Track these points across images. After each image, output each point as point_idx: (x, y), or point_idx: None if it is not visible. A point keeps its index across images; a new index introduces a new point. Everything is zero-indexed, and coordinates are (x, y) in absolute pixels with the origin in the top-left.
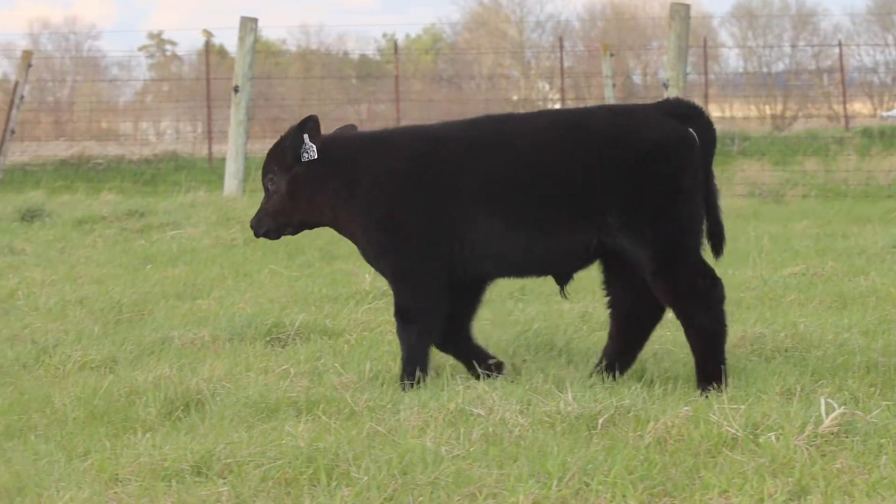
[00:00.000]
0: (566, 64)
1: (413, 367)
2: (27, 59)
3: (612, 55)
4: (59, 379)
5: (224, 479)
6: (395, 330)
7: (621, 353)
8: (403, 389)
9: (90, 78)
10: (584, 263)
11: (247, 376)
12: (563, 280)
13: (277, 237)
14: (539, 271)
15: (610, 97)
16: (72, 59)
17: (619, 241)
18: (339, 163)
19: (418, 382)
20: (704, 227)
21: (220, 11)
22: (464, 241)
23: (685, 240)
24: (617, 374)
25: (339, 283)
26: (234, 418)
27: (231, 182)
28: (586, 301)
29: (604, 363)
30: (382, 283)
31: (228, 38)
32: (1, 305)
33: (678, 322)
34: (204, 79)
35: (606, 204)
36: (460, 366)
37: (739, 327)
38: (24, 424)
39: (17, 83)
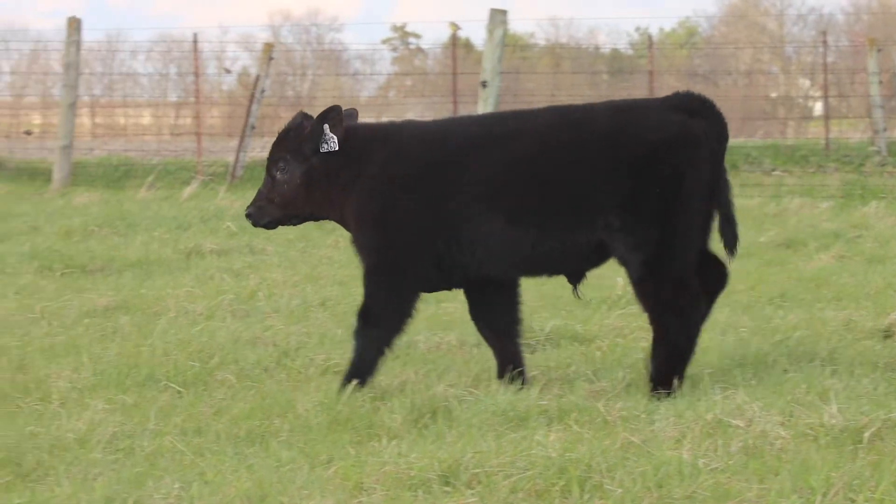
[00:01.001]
0: (829, 59)
1: (358, 373)
2: (268, 52)
3: (879, 50)
4: (302, 383)
5: (472, 489)
6: (650, 337)
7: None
8: (341, 390)
9: (331, 72)
10: (593, 263)
11: (495, 383)
12: (575, 279)
13: (276, 227)
14: (545, 271)
15: (875, 95)
16: (313, 52)
17: (615, 244)
18: (350, 155)
19: (360, 386)
20: (716, 225)
21: (467, 3)
22: (463, 240)
23: (677, 247)
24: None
25: (590, 288)
26: (482, 426)
27: None
28: (850, 309)
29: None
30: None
31: (475, 31)
32: (242, 307)
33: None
34: (449, 73)
35: (607, 204)
36: (718, 374)
37: None
38: (266, 430)
39: (258, 77)
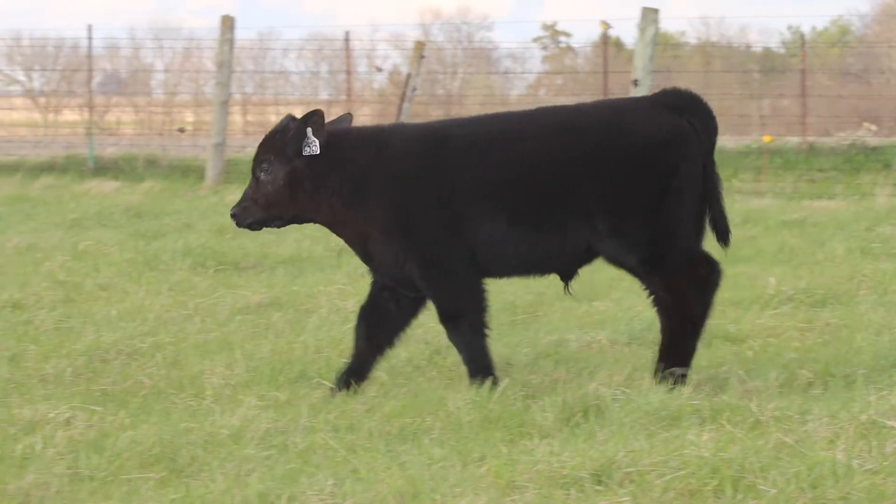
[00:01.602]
0: None
1: (479, 365)
2: (419, 50)
3: None
4: (453, 381)
5: (625, 488)
6: (801, 336)
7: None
8: (478, 386)
9: (481, 70)
10: (586, 261)
11: (647, 382)
12: (567, 277)
13: (260, 228)
14: (541, 271)
15: None
16: (463, 50)
17: (606, 244)
18: (342, 160)
19: (491, 377)
20: (707, 219)
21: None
22: (465, 242)
23: (674, 240)
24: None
25: (742, 287)
26: (634, 425)
27: None
28: None
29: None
30: (788, 287)
31: (625, 30)
32: None
33: None
34: (600, 72)
35: (596, 205)
36: (873, 375)
37: None
38: (418, 427)
39: (409, 75)
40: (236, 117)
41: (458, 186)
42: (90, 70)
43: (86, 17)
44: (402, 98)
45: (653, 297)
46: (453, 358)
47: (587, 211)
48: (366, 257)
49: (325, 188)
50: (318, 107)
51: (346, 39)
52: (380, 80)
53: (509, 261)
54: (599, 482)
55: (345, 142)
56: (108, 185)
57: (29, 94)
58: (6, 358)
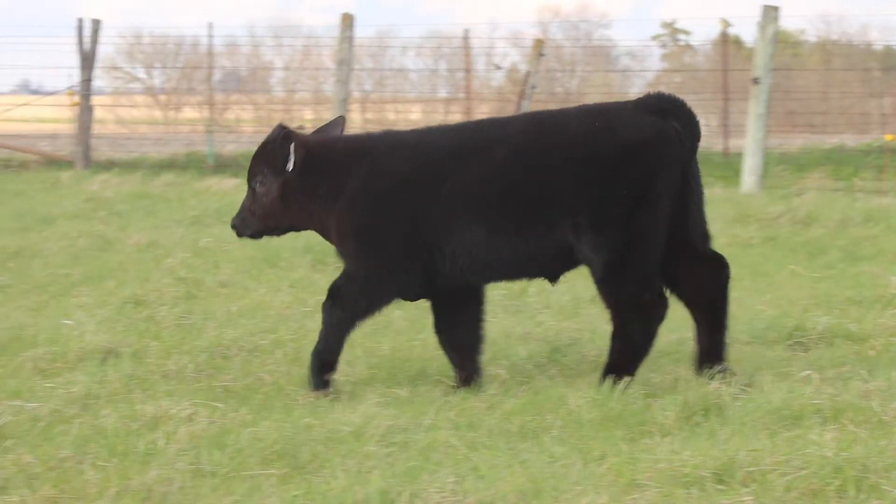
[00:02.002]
0: None
1: (322, 353)
2: (538, 48)
3: None
4: (573, 379)
5: (747, 487)
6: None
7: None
8: (312, 371)
9: (600, 68)
10: (569, 266)
11: (767, 381)
12: (552, 281)
13: (260, 237)
14: (525, 275)
15: None
16: (582, 48)
17: (581, 245)
18: (328, 171)
19: (323, 369)
20: (686, 224)
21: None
22: (444, 249)
23: (642, 248)
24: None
25: (864, 286)
26: (755, 424)
27: (749, 178)
28: None
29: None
30: None
31: (744, 28)
32: (513, 303)
33: None
34: (719, 70)
35: (577, 209)
36: None
37: None
38: (539, 425)
39: (527, 73)
40: (355, 115)
41: (437, 195)
42: (210, 67)
43: (206, 14)
44: (521, 96)
45: (606, 305)
46: (573, 356)
47: (570, 209)
48: None
49: (315, 198)
50: (341, 114)
51: (465, 37)
52: (498, 77)
53: (493, 266)
54: (721, 481)
55: (332, 152)
56: (227, 183)
57: (149, 91)
58: (129, 354)
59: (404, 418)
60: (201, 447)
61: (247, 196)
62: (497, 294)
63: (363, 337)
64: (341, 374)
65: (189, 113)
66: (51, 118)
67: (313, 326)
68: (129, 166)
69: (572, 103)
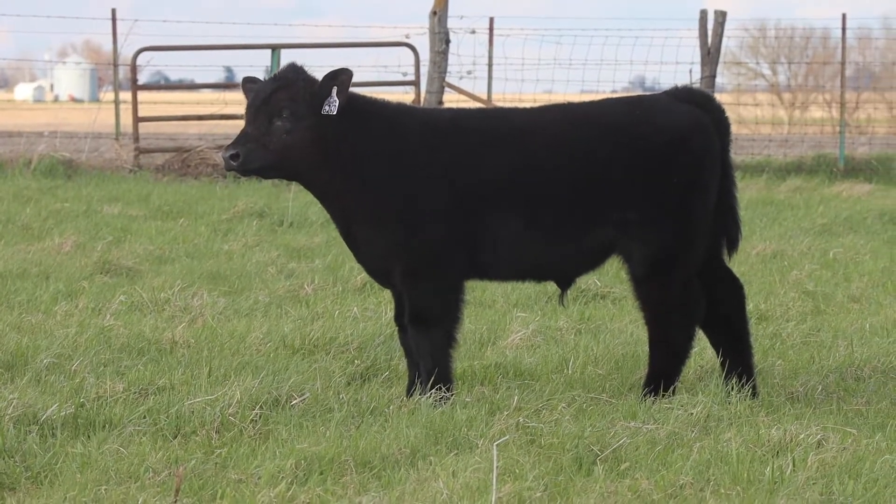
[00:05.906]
0: None
1: (441, 375)
2: None
3: None
4: None
5: None
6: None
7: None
8: (431, 402)
9: None
10: (593, 265)
11: None
12: (565, 285)
13: (261, 175)
14: (552, 274)
15: None
16: None
17: (627, 239)
18: (357, 129)
19: (450, 386)
20: (720, 221)
21: None
22: (482, 239)
23: (690, 244)
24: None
25: None
26: None
27: None
28: None
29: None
30: None
31: None
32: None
33: None
34: None
35: (623, 199)
36: None
37: None
38: None
39: None
40: None
41: (469, 181)
42: (842, 63)
43: (838, 5)
44: None
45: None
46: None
47: (616, 203)
48: (347, 237)
49: (339, 152)
50: (293, 62)
51: None
52: None
53: (520, 261)
54: None
55: (366, 111)
56: (859, 188)
57: (773, 88)
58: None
59: None
60: (832, 476)
61: (255, 127)
62: None
63: None
64: None
65: (816, 112)
66: None
67: None
68: (753, 170)
69: None
